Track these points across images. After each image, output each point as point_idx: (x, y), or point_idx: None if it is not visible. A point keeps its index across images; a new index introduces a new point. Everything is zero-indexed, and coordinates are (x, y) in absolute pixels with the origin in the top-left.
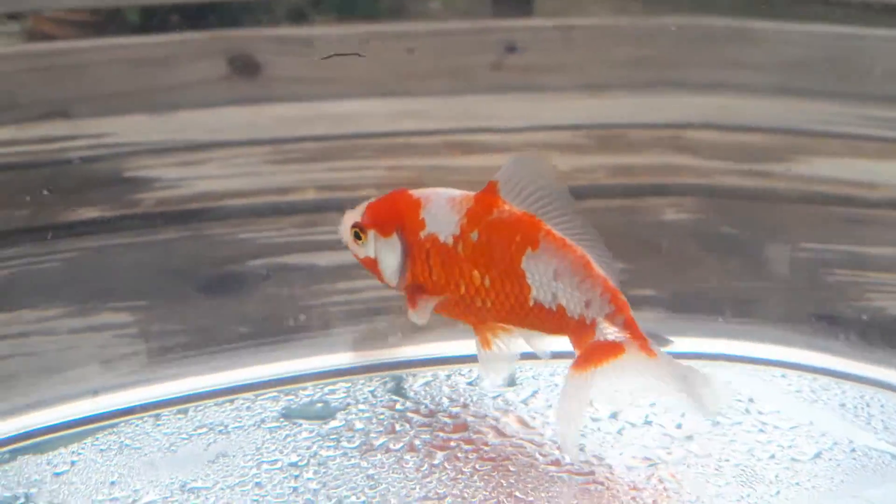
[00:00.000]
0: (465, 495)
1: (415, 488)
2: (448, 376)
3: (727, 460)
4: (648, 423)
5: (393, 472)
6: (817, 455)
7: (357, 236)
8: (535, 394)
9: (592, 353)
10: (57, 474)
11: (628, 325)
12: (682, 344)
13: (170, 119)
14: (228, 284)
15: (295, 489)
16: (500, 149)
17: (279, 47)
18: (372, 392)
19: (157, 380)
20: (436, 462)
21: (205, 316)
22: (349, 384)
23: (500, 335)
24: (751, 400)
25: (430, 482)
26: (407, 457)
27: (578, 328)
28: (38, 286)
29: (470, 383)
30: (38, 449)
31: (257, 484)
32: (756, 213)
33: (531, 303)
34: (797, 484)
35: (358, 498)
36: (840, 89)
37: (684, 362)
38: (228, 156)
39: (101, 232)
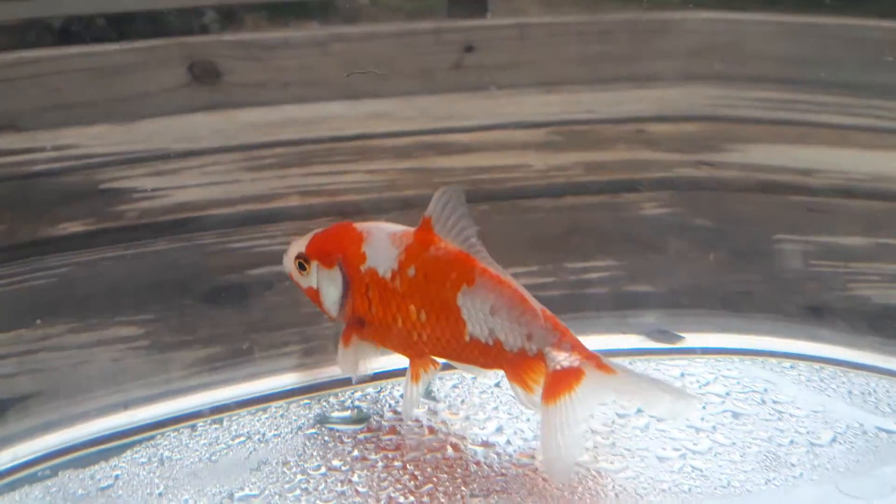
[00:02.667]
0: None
1: (460, 486)
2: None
3: (749, 447)
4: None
5: (439, 472)
6: (833, 439)
7: (301, 267)
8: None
9: (556, 383)
10: (102, 488)
11: (576, 348)
12: (691, 340)
13: (134, 128)
14: (232, 294)
15: (342, 493)
16: (475, 148)
17: (239, 53)
18: (401, 395)
19: (185, 391)
20: (480, 459)
21: (215, 326)
22: (377, 389)
23: (430, 370)
24: (765, 390)
25: (475, 479)
26: (450, 452)
27: (517, 361)
28: (35, 303)
29: (497, 384)
30: (77, 464)
31: (304, 490)
32: (722, 204)
33: (467, 338)
34: (817, 466)
35: (406, 498)
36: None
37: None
38: (202, 164)
39: (88, 246)
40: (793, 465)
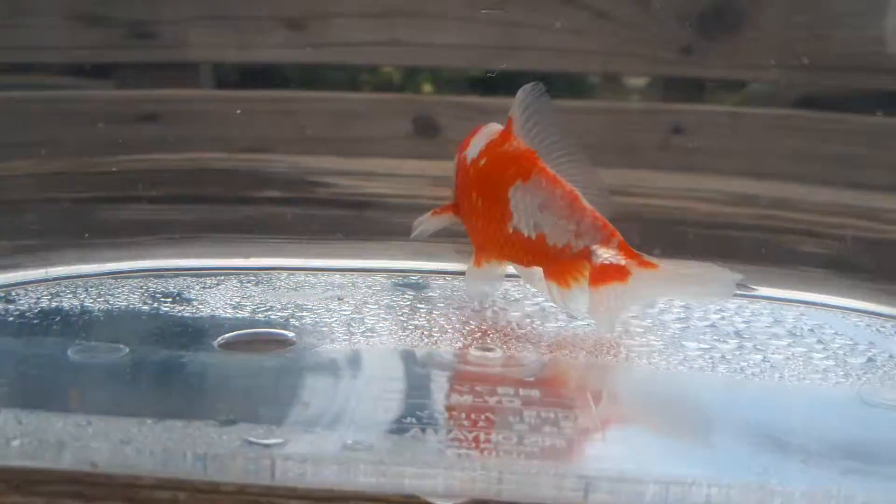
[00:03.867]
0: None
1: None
2: None
3: (778, 353)
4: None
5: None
6: (867, 361)
7: None
8: None
9: (602, 273)
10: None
11: (622, 248)
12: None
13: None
14: None
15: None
16: None
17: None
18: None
19: None
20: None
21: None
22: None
23: (492, 264)
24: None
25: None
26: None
27: (559, 257)
28: None
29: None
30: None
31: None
32: None
33: (510, 230)
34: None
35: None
36: None
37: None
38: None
39: None
40: (824, 370)
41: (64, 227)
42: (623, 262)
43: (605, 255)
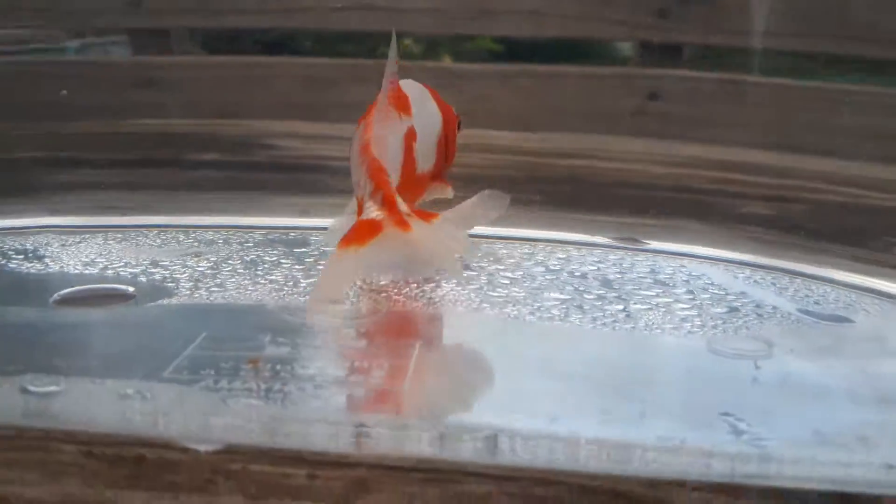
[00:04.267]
0: None
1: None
2: None
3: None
4: None
5: None
6: (728, 310)
7: None
8: None
9: (356, 232)
10: None
11: (386, 201)
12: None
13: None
14: None
15: None
16: None
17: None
18: None
19: None
20: None
21: None
22: None
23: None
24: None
25: None
26: None
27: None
28: None
29: None
30: None
31: None
32: None
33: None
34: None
35: None
36: None
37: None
38: None
39: None
40: (680, 320)
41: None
42: (380, 217)
43: (370, 209)
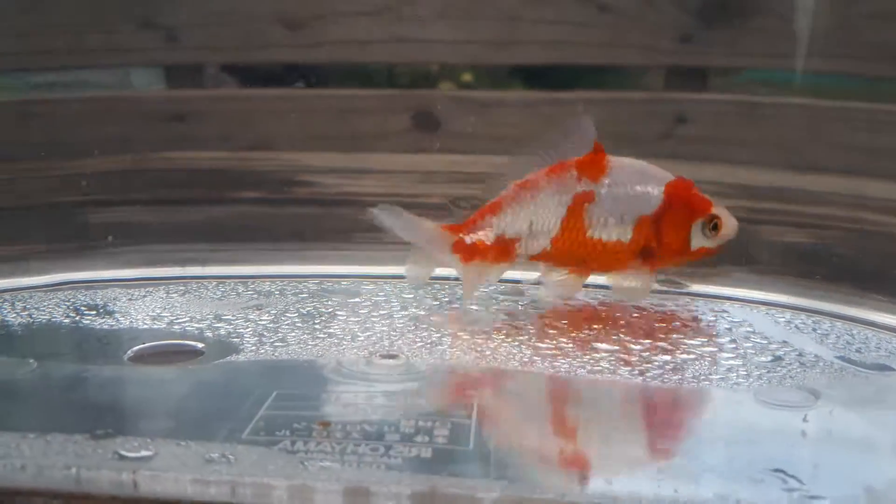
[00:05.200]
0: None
1: None
2: None
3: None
4: None
5: None
6: (772, 360)
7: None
8: None
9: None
10: None
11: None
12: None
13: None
14: None
15: None
16: None
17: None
18: None
19: None
20: None
21: None
22: None
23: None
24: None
25: None
26: None
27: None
28: None
29: None
30: None
31: None
32: None
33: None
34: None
35: None
36: None
37: None
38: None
39: None
40: (727, 370)
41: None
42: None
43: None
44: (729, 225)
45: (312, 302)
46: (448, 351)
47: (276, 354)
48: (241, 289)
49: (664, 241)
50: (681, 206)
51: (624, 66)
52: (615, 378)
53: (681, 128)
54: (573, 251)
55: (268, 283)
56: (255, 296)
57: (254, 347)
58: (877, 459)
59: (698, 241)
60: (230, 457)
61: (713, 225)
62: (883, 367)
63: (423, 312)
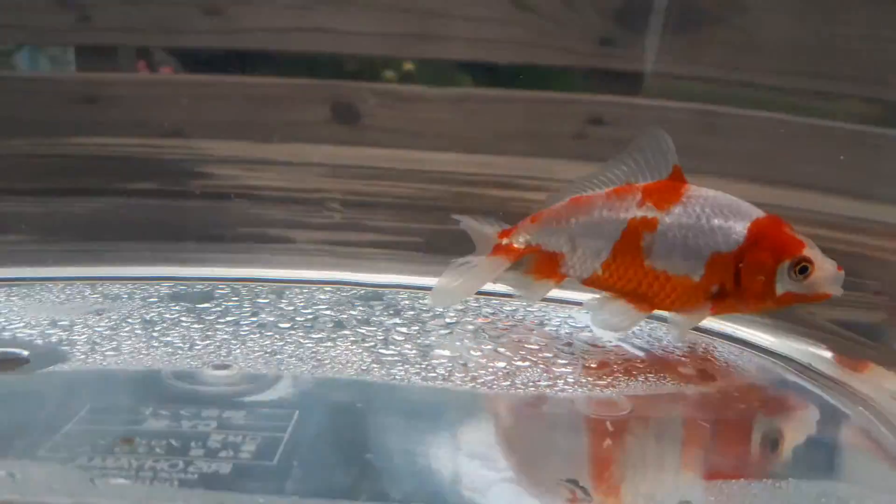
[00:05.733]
0: None
1: None
2: None
3: None
4: None
5: None
6: None
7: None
8: None
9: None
10: None
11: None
12: None
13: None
14: None
15: None
16: None
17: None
18: None
19: None
20: None
21: None
22: None
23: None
24: None
25: None
26: None
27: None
28: None
29: None
30: None
31: None
32: None
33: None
34: None
35: None
36: None
37: None
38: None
39: None
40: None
41: None
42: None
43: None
44: (822, 269)
45: (159, 307)
46: (285, 360)
47: (104, 364)
48: (87, 291)
49: (743, 283)
50: (766, 246)
51: (543, 65)
52: (446, 385)
53: (595, 129)
54: (629, 280)
55: (118, 285)
56: (101, 299)
57: (83, 356)
58: None
59: (784, 285)
60: (16, 475)
61: (801, 268)
62: None
63: (272, 319)
